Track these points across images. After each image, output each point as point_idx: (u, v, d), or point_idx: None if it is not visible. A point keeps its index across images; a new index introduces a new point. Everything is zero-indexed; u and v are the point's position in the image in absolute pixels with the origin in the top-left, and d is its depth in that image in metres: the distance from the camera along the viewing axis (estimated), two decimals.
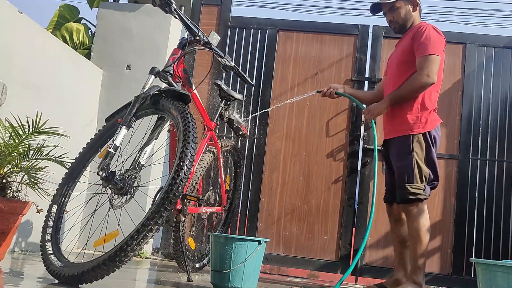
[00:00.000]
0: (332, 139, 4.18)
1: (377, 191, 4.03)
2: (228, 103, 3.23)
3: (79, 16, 4.91)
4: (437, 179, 2.89)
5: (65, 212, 2.41)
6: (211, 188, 3.27)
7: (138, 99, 2.33)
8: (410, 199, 2.78)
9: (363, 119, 4.14)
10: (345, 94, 3.18)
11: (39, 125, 2.67)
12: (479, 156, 4.08)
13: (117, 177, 2.15)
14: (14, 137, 2.59)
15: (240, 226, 4.13)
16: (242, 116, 4.21)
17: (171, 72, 2.56)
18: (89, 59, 4.19)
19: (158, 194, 2.17)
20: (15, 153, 2.56)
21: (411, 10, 3.01)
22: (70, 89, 3.70)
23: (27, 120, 2.66)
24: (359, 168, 4.12)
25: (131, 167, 2.23)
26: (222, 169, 3.23)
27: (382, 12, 3.13)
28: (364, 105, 3.09)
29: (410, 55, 2.90)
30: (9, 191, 2.57)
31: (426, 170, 2.83)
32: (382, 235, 4.04)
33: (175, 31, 4.31)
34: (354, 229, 4.05)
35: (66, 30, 4.51)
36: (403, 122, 2.87)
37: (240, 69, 3.30)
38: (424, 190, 2.80)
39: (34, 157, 2.64)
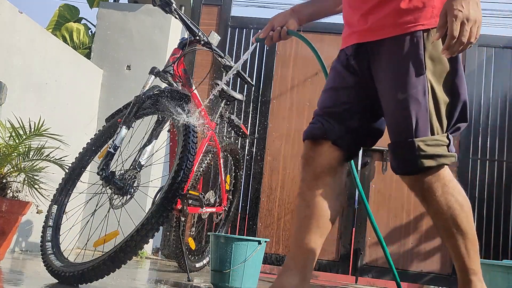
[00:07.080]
0: None
1: (377, 190, 4.08)
2: (228, 103, 3.23)
3: (79, 16, 4.92)
4: (466, 120, 1.58)
5: (65, 213, 2.41)
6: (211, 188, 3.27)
7: (138, 99, 2.33)
8: (426, 167, 1.51)
9: None
10: (300, 36, 1.95)
11: (40, 127, 2.67)
12: (479, 156, 4.08)
13: (117, 177, 2.15)
14: (14, 137, 2.59)
15: (240, 226, 4.13)
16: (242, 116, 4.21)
17: (171, 72, 2.56)
18: (89, 59, 4.19)
19: (158, 194, 2.17)
20: (15, 153, 2.56)
21: None
22: (70, 89, 3.70)
23: (29, 121, 2.66)
24: (359, 168, 4.11)
25: (131, 167, 2.23)
26: (222, 169, 3.23)
27: None
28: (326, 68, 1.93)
29: None
30: (9, 191, 2.57)
31: (447, 100, 1.54)
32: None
33: (175, 31, 4.31)
34: (354, 229, 4.05)
35: (66, 30, 4.52)
36: (400, 10, 1.58)
37: (240, 69, 3.30)
38: (448, 145, 1.54)
39: (34, 158, 2.64)
